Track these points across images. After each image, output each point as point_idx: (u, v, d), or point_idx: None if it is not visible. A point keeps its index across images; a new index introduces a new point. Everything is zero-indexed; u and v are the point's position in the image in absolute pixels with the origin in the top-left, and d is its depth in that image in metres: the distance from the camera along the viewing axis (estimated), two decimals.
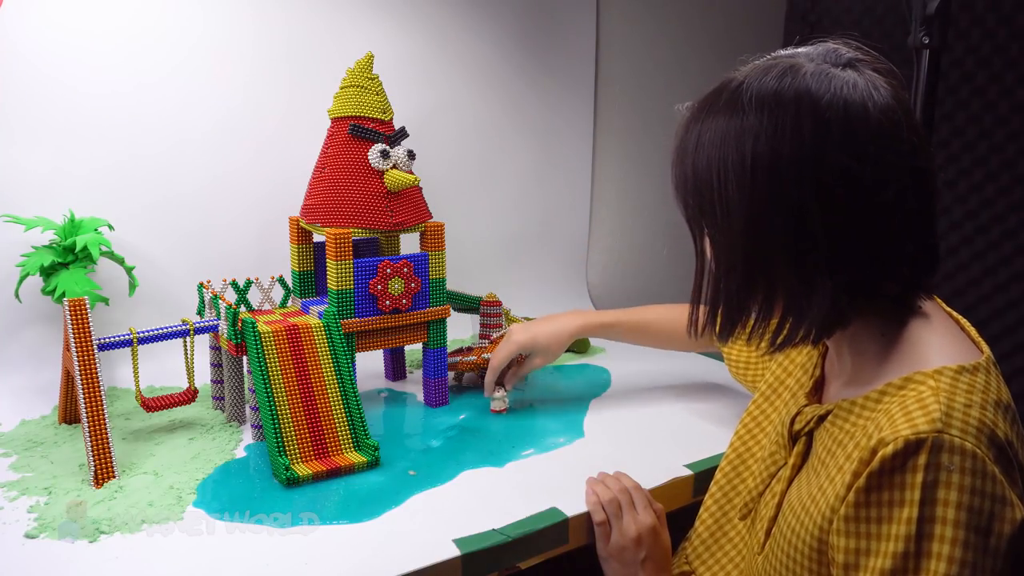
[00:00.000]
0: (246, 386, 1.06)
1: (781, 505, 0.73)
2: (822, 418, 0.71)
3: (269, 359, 0.97)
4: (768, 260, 0.65)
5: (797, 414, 0.74)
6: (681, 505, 0.95)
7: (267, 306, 1.15)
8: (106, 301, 1.13)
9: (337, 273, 1.04)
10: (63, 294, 1.05)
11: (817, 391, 0.78)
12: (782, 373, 0.87)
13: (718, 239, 0.68)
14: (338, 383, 0.99)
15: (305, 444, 0.94)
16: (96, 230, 1.13)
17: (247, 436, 1.03)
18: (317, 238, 1.18)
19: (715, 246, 0.69)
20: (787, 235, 0.63)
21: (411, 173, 1.10)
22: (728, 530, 0.87)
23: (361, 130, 1.08)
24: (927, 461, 0.57)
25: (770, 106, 0.63)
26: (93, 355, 0.91)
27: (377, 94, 1.11)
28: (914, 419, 0.59)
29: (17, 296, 1.10)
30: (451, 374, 1.25)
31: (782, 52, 0.68)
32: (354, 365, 1.06)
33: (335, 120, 1.11)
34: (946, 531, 0.56)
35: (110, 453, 0.90)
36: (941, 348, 0.65)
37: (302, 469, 0.91)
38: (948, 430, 0.57)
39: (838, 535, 0.62)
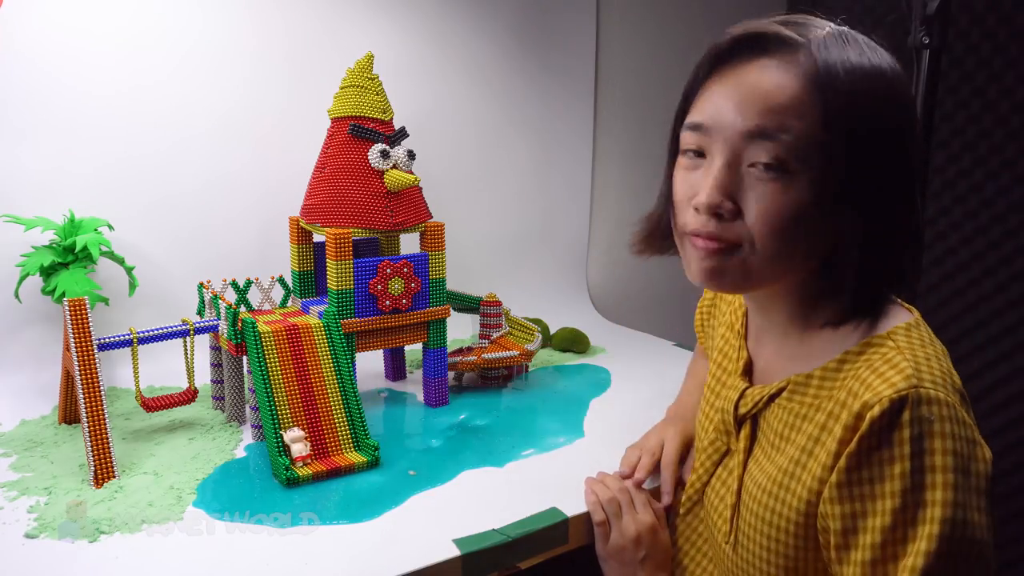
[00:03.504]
0: (246, 386, 1.06)
1: (740, 491, 0.73)
2: (773, 397, 0.71)
3: (269, 359, 0.97)
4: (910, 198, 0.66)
5: (740, 398, 0.75)
6: None
7: (267, 306, 1.15)
8: (106, 301, 1.13)
9: (337, 273, 1.05)
10: (63, 294, 1.05)
11: (747, 373, 0.78)
12: (715, 367, 0.85)
13: (870, 172, 0.63)
14: (338, 383, 0.99)
15: None
16: (96, 230, 1.13)
17: (247, 436, 1.03)
18: (317, 238, 1.18)
19: (860, 182, 0.62)
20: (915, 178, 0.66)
21: (411, 173, 1.10)
22: (695, 540, 0.85)
23: (361, 130, 1.08)
24: (911, 416, 0.59)
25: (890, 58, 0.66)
26: (93, 355, 0.91)
27: (377, 94, 1.11)
28: (889, 378, 0.61)
29: (17, 296, 1.10)
30: (451, 374, 1.25)
31: (816, 19, 0.67)
32: (354, 365, 1.06)
33: (335, 120, 1.11)
34: (937, 477, 0.58)
35: (110, 453, 0.90)
36: (885, 312, 0.68)
37: (302, 469, 0.91)
38: (922, 384, 0.60)
39: (831, 503, 0.62)
